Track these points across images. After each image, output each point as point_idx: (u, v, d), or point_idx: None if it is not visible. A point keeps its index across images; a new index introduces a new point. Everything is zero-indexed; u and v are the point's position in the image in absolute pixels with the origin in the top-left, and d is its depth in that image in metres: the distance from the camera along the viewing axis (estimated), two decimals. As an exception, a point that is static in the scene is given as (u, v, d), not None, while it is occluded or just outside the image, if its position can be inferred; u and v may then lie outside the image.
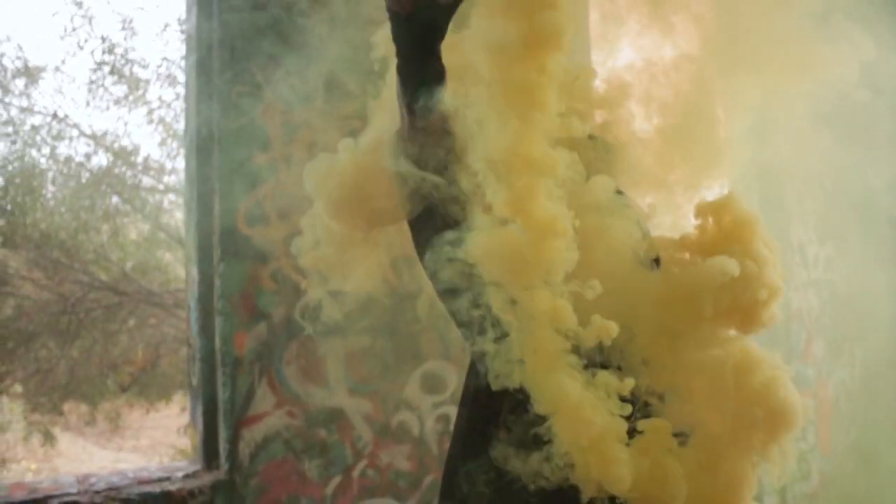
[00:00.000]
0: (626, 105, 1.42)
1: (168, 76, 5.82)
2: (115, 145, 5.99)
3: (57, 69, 5.89)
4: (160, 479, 2.79)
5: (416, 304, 2.98)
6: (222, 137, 2.82)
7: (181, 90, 5.96)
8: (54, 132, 5.84)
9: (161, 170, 6.27)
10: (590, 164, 1.26)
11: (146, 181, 6.26)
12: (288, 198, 2.81)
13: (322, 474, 2.88)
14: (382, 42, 1.56)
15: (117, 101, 5.82)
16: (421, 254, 1.31)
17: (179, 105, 5.97)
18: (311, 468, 2.87)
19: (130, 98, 5.81)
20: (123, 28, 5.70)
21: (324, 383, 2.89)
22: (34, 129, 5.87)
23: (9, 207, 5.77)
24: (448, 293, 1.22)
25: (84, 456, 9.31)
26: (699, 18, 1.43)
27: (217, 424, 2.84)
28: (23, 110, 5.87)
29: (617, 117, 1.42)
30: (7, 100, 5.77)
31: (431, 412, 3.02)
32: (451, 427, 1.51)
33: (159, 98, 6.02)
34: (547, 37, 1.14)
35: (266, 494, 2.81)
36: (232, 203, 2.81)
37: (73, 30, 5.62)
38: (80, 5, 5.59)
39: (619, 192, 1.32)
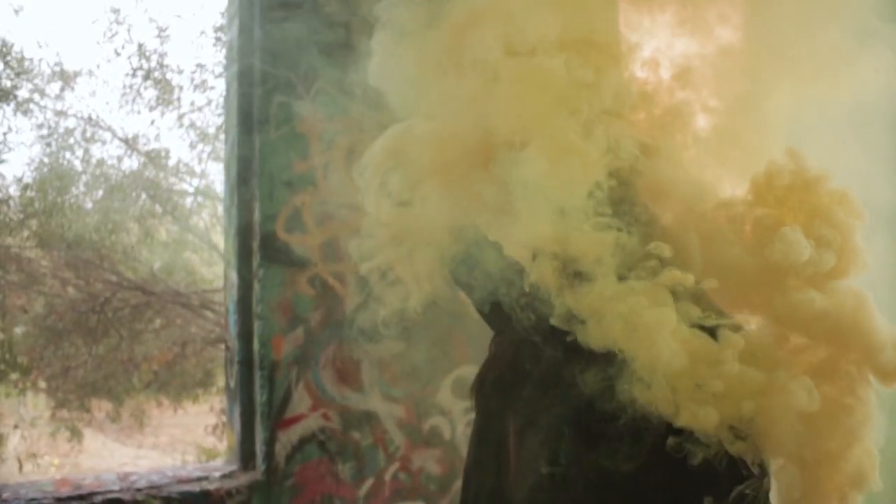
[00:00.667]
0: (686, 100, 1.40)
1: (201, 81, 5.93)
2: (147, 148, 6.11)
3: (91, 73, 6.02)
4: (199, 479, 2.87)
5: (449, 308, 3.02)
6: (262, 146, 2.89)
7: (212, 95, 6.07)
8: (88, 135, 5.96)
9: (191, 172, 6.38)
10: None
11: (176, 184, 6.37)
12: (326, 205, 2.88)
13: (355, 476, 2.94)
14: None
15: (150, 106, 5.94)
16: None
17: (211, 109, 6.08)
18: (344, 470, 2.93)
19: (163, 102, 5.92)
20: (159, 35, 5.82)
21: (358, 387, 2.95)
22: (68, 131, 5.99)
23: (43, 208, 5.89)
24: None
25: (104, 452, 9.44)
26: (735, 27, 1.44)
27: (254, 426, 2.91)
28: (57, 113, 6.00)
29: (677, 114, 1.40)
30: (43, 103, 5.90)
31: (463, 417, 3.07)
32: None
33: (191, 103, 6.13)
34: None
35: (301, 495, 2.88)
36: (271, 210, 2.88)
37: (112, 36, 5.74)
38: (117, 12, 5.72)
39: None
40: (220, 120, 5.94)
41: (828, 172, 1.28)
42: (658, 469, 1.07)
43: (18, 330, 6.90)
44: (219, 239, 6.46)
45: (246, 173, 2.95)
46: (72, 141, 6.00)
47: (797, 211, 1.24)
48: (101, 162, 6.05)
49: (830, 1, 1.39)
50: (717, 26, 1.43)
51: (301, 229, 2.90)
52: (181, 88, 5.94)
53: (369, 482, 2.96)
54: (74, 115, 6.04)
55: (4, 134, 5.82)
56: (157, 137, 6.24)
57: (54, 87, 5.97)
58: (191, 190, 6.45)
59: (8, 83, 5.71)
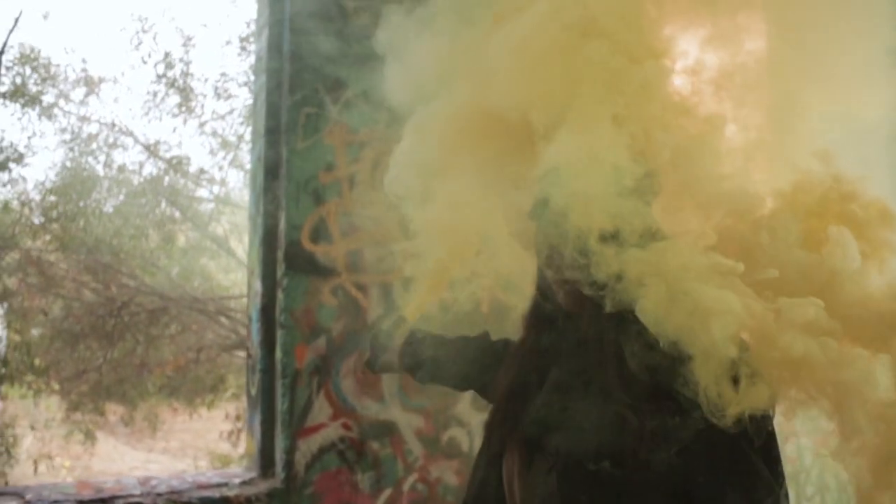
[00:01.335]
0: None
1: (224, 90, 6.00)
2: (168, 155, 6.17)
3: (115, 80, 6.10)
4: (218, 485, 2.88)
5: (469, 320, 3.03)
6: (289, 156, 2.92)
7: (235, 104, 6.14)
8: (110, 141, 6.04)
9: (211, 180, 6.45)
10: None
11: (196, 190, 6.43)
12: (351, 216, 2.90)
13: (374, 486, 2.95)
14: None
15: (172, 113, 6.01)
16: None
17: (233, 118, 6.14)
18: (363, 480, 2.94)
19: (185, 110, 5.98)
20: (185, 44, 5.89)
21: (378, 397, 2.97)
22: (91, 137, 6.06)
23: (64, 212, 5.95)
24: None
25: (115, 455, 9.49)
26: (764, 42, 1.45)
27: (274, 434, 2.92)
28: (81, 119, 6.07)
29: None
30: (67, 108, 5.97)
31: (481, 429, 3.07)
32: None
33: (213, 111, 6.20)
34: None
35: (319, 504, 2.89)
36: (297, 220, 2.91)
37: (139, 45, 5.82)
38: (144, 21, 5.80)
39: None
40: (241, 128, 6.00)
41: (863, 181, 1.28)
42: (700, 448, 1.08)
43: (35, 332, 6.95)
44: (237, 246, 6.49)
45: (272, 183, 2.98)
46: (94, 146, 6.08)
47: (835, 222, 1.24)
48: (122, 167, 6.13)
49: (861, 20, 1.41)
50: (748, 42, 1.45)
51: (326, 239, 2.93)
52: (204, 96, 6.01)
53: (387, 492, 2.97)
54: (98, 121, 6.13)
55: (29, 138, 5.90)
56: (178, 144, 6.31)
57: (79, 93, 6.06)
58: (210, 197, 6.50)
59: (34, 88, 5.79)
